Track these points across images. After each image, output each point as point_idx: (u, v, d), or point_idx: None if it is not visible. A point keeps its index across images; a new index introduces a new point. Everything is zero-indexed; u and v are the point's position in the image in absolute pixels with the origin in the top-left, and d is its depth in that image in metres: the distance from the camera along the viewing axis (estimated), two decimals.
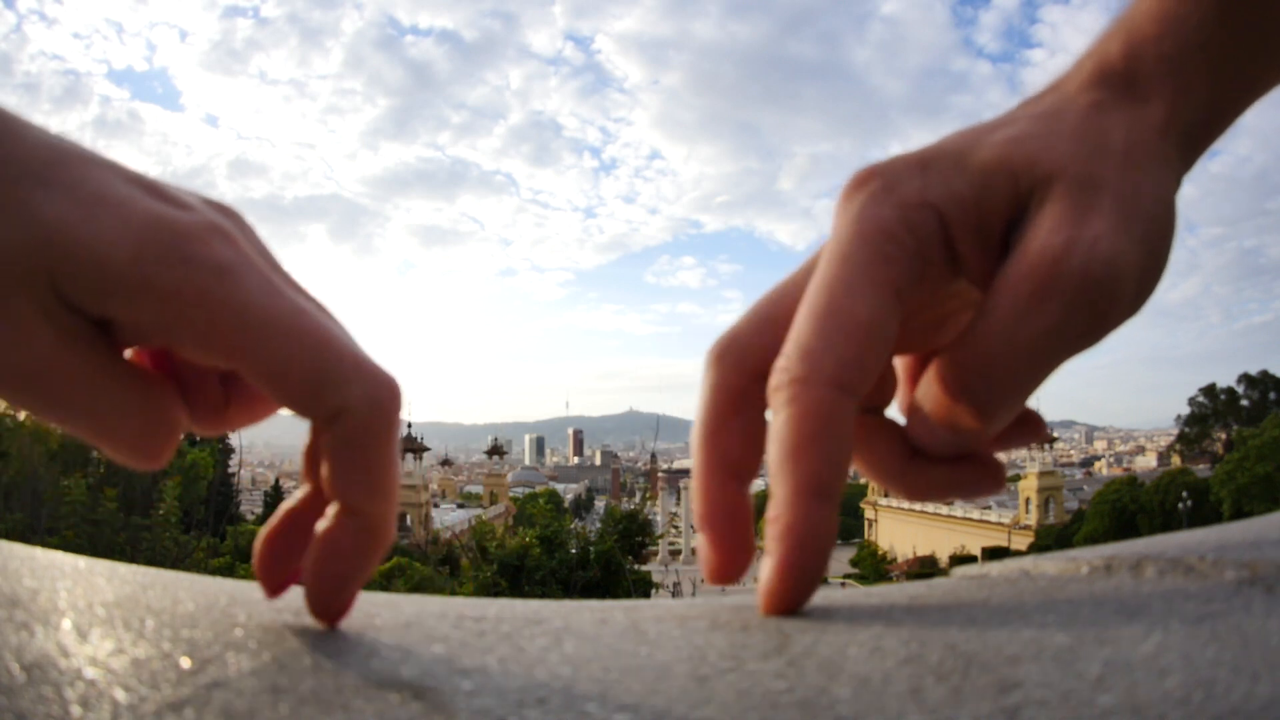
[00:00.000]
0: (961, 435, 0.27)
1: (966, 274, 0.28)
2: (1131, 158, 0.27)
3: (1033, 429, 0.30)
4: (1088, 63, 0.30)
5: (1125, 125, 0.28)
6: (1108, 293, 0.25)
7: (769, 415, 0.27)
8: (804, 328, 0.27)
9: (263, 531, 0.26)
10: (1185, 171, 0.29)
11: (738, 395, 0.29)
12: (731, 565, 0.28)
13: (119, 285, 0.22)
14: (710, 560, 0.29)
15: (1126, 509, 29.63)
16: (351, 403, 0.23)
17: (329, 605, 0.24)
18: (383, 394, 0.24)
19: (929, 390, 0.28)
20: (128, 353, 0.25)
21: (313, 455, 0.26)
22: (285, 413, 0.26)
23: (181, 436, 0.26)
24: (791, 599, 0.26)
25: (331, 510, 0.24)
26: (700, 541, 0.29)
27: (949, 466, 0.29)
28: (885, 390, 0.31)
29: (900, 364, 0.33)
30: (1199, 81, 0.28)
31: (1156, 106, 0.28)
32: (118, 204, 0.23)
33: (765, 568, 0.26)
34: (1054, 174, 0.27)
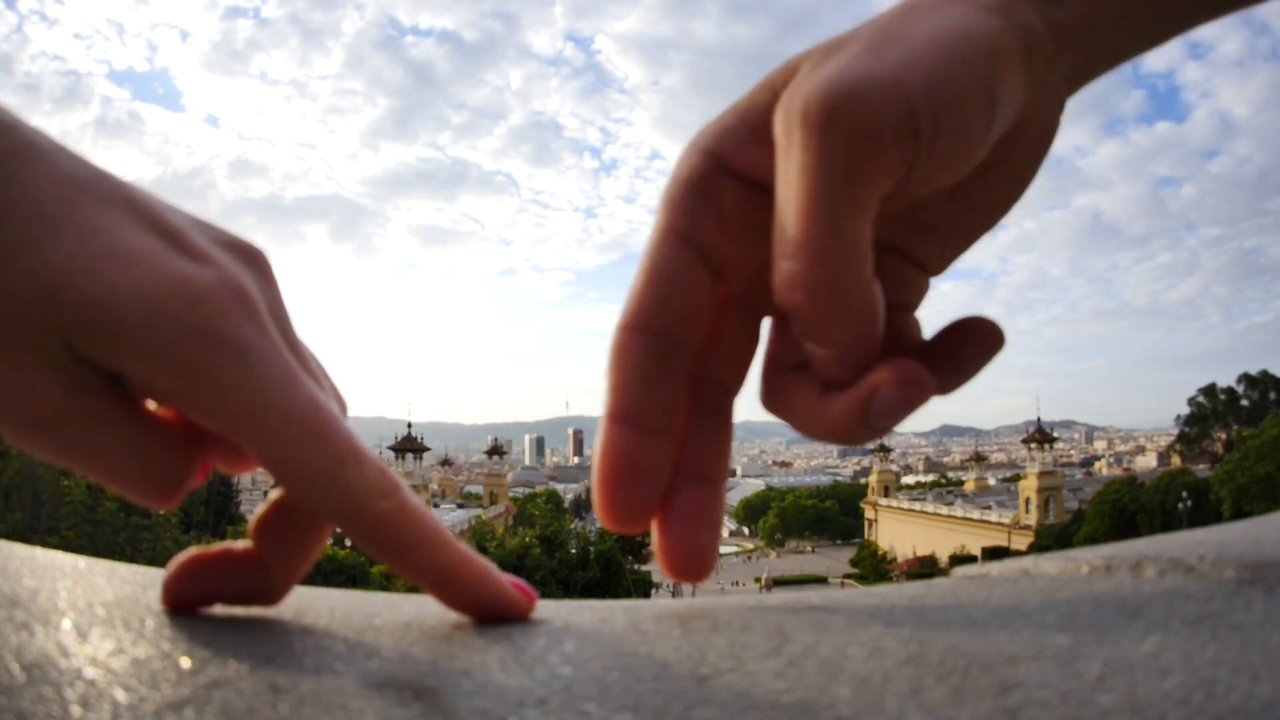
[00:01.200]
0: (833, 336, 0.26)
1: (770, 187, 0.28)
2: (907, 15, 0.25)
3: (986, 339, 0.28)
4: None
5: (927, 8, 0.26)
6: (845, 107, 0.23)
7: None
8: None
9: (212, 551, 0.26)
10: (1048, 30, 0.26)
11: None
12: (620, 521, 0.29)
13: (130, 348, 0.22)
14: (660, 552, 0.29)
15: (1126, 509, 29.63)
16: (361, 503, 0.24)
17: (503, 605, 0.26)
18: (388, 487, 0.24)
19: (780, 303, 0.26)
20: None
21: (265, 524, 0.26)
22: None
23: (193, 481, 0.25)
24: (612, 514, 0.27)
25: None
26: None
27: (860, 391, 0.27)
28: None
29: None
30: None
31: None
32: (132, 258, 0.22)
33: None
34: (802, 60, 0.26)
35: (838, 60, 0.24)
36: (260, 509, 0.26)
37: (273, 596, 0.26)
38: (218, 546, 0.26)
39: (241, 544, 0.26)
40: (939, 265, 0.30)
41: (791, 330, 0.29)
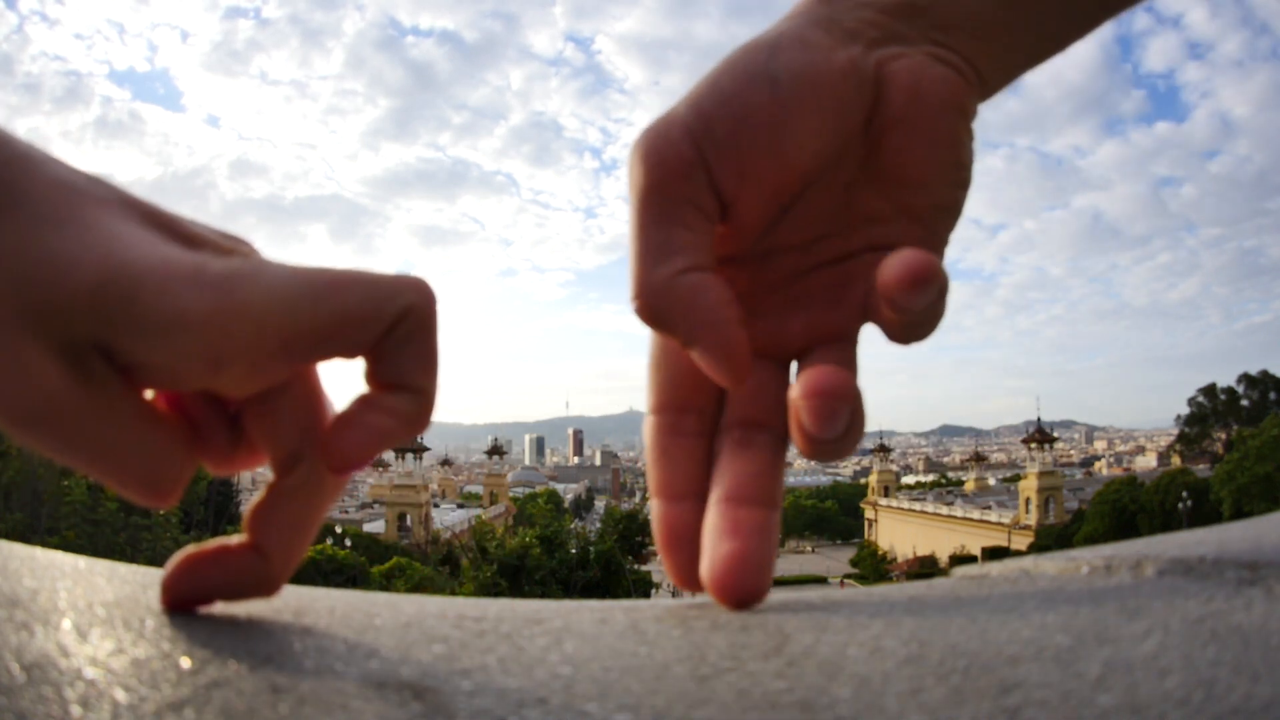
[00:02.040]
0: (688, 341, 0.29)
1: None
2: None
3: (914, 275, 0.27)
4: None
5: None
6: (639, 144, 0.29)
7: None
8: None
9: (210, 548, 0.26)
10: (867, 15, 0.30)
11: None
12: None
13: (136, 323, 0.22)
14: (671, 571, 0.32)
15: (1126, 509, 29.63)
16: (412, 300, 0.25)
17: (357, 454, 0.25)
18: (426, 288, 0.26)
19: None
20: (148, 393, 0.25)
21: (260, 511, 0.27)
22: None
23: (190, 478, 0.26)
24: (683, 580, 0.31)
25: (377, 394, 0.26)
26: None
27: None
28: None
29: None
30: None
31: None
32: (135, 243, 0.23)
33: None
34: None
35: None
36: (255, 499, 0.26)
37: (271, 586, 0.26)
38: (213, 542, 0.26)
39: (237, 539, 0.26)
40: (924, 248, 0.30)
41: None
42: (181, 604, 0.26)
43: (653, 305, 0.29)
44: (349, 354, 0.25)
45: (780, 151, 0.29)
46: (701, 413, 0.32)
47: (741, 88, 0.29)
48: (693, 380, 0.31)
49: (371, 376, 0.26)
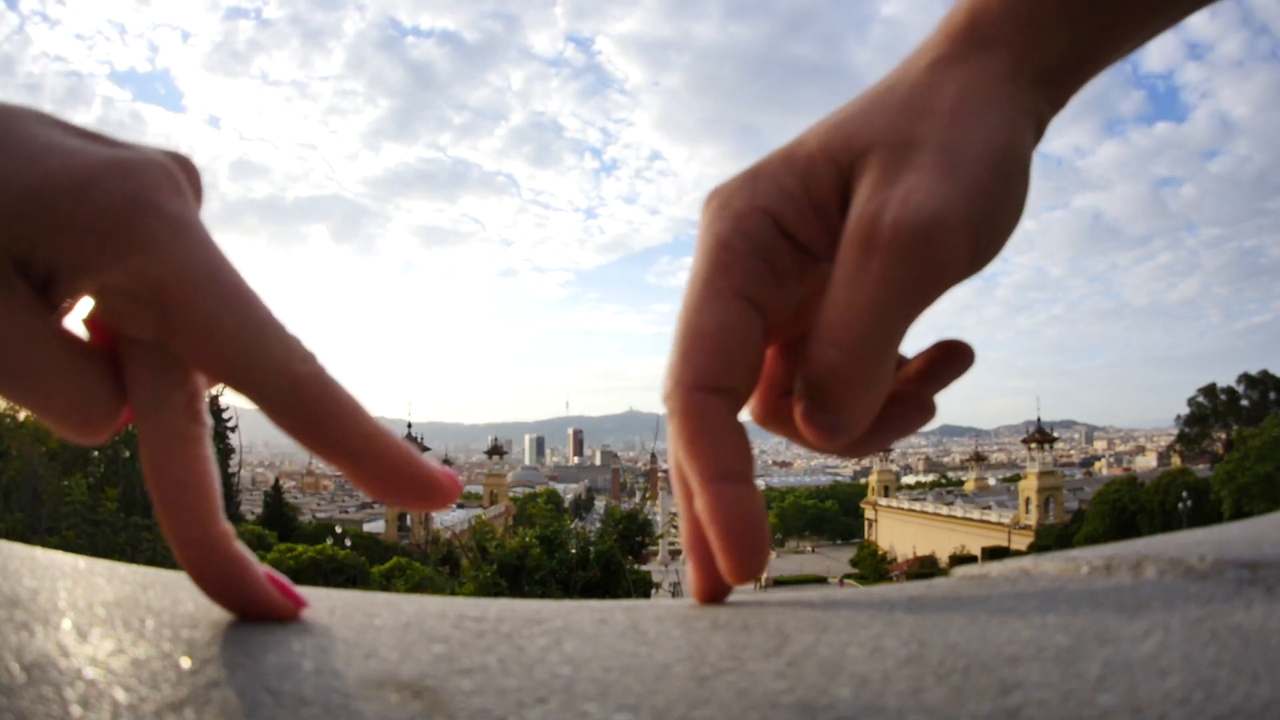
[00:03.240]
0: (844, 416, 0.28)
1: (818, 256, 0.30)
2: (961, 107, 0.28)
3: (957, 357, 0.31)
4: (941, 24, 0.30)
5: (960, 78, 0.28)
6: (925, 243, 0.26)
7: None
8: (672, 345, 0.29)
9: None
10: (1053, 112, 0.30)
11: None
12: (715, 585, 0.30)
13: (64, 223, 0.22)
14: (696, 582, 0.31)
15: (1126, 509, 29.62)
16: (280, 365, 0.24)
17: (431, 493, 0.25)
18: (305, 357, 0.24)
19: (802, 379, 0.29)
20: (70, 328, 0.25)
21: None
22: (208, 424, 0.26)
23: (123, 416, 0.25)
24: (741, 568, 0.28)
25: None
26: (688, 567, 0.32)
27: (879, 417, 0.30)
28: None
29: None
30: (1050, 24, 0.28)
31: (1000, 54, 0.28)
32: (64, 151, 0.23)
33: (715, 553, 0.28)
34: (870, 145, 0.28)
35: (917, 182, 0.27)
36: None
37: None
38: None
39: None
40: None
41: (793, 364, 0.32)
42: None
43: (864, 397, 0.28)
44: (207, 366, 0.24)
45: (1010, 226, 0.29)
46: (744, 398, 0.30)
47: (1012, 209, 0.28)
48: (754, 366, 0.29)
49: (318, 456, 0.25)
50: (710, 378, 0.28)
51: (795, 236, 0.29)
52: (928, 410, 0.31)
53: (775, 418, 0.32)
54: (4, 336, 0.22)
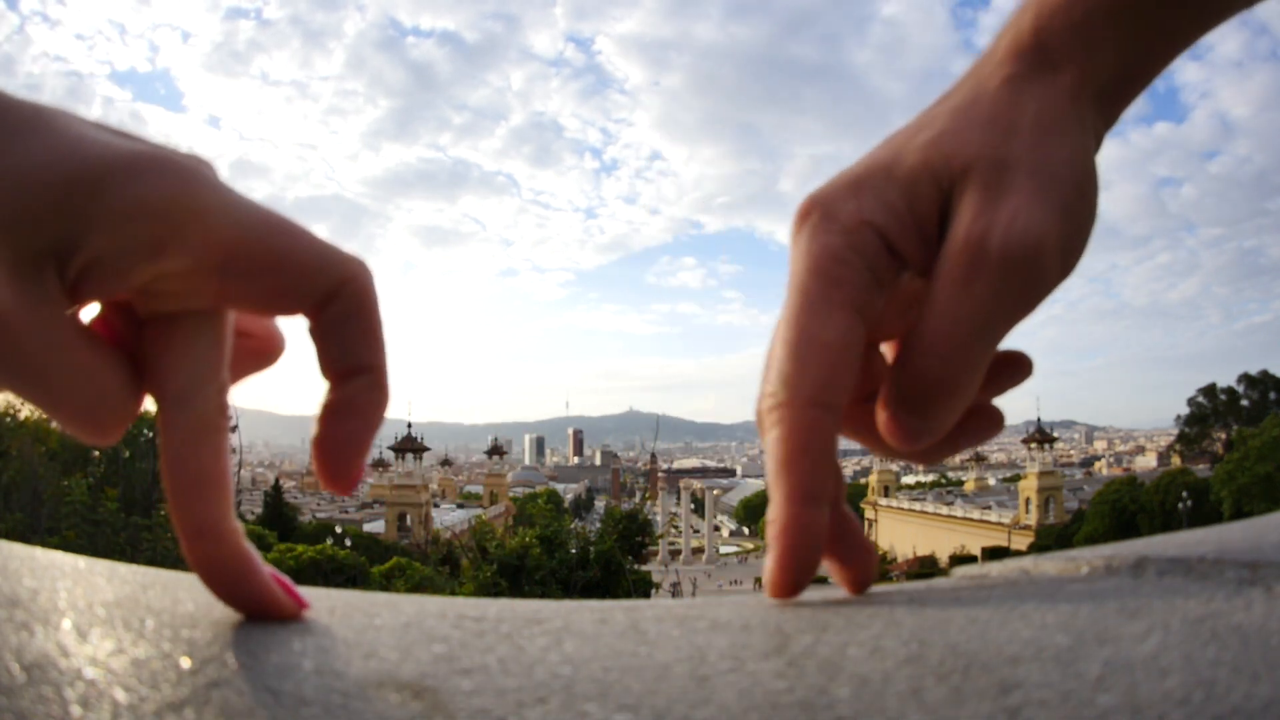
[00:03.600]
0: (932, 422, 0.30)
1: (915, 270, 0.31)
2: (1042, 128, 0.30)
3: (1016, 368, 0.33)
4: (1002, 40, 0.32)
5: (1036, 97, 0.30)
6: (1030, 262, 0.28)
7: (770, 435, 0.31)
8: (781, 356, 0.30)
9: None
10: (1107, 128, 0.32)
11: None
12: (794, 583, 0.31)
13: (113, 210, 0.22)
14: (844, 576, 0.33)
15: (1126, 509, 29.61)
16: (355, 270, 0.25)
17: (349, 467, 0.25)
18: (365, 266, 0.26)
19: (894, 388, 0.30)
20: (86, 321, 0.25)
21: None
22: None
23: (136, 414, 0.25)
24: (789, 586, 0.29)
25: (334, 386, 0.26)
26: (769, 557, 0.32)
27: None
28: (877, 378, 0.33)
29: (886, 349, 0.36)
30: (1108, 44, 0.30)
31: (1067, 73, 0.30)
32: (102, 143, 0.23)
33: (767, 561, 0.30)
34: (969, 165, 0.30)
35: (1019, 205, 0.28)
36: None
37: None
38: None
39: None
40: None
41: (868, 370, 0.33)
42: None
43: (955, 406, 0.30)
44: (278, 301, 0.25)
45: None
46: (841, 410, 0.30)
47: (1090, 228, 0.30)
48: (851, 373, 0.30)
49: (324, 363, 0.26)
50: (827, 393, 0.29)
51: (897, 250, 0.30)
52: (997, 421, 0.32)
53: (855, 424, 0.33)
54: (29, 333, 0.22)
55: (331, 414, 0.26)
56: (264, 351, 0.29)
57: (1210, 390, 41.94)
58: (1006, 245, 0.28)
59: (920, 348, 0.29)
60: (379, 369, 0.26)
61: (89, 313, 0.25)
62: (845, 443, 0.36)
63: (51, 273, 0.22)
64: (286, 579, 0.26)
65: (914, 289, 0.33)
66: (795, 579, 0.29)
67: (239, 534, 0.25)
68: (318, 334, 0.26)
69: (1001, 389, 0.33)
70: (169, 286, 0.24)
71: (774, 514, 0.29)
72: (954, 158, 0.30)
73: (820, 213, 0.30)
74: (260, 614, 0.25)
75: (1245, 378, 41.86)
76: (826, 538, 0.30)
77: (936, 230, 0.30)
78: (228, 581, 0.25)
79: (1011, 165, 0.29)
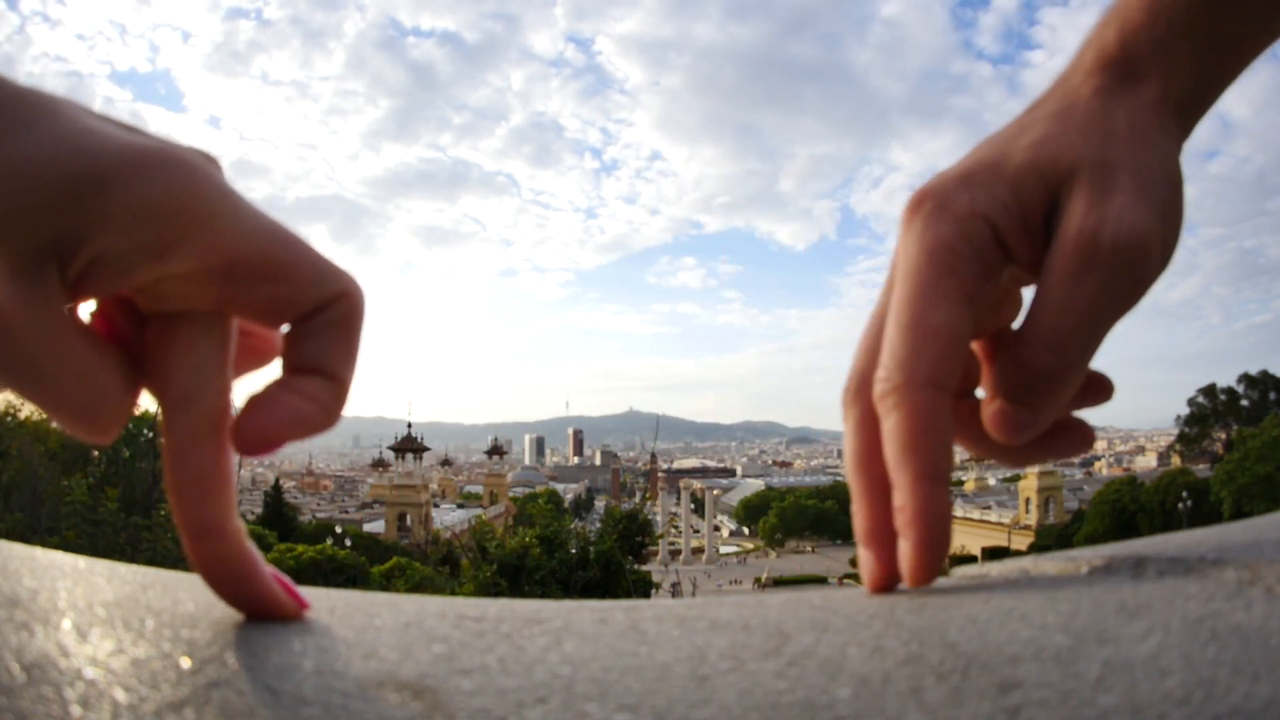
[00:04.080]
0: (1040, 414, 0.31)
1: (1018, 264, 0.32)
2: (1136, 135, 0.31)
3: (1100, 389, 0.34)
4: (1088, 53, 0.34)
5: (1127, 107, 0.32)
6: (1139, 256, 0.29)
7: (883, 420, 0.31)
8: (895, 340, 0.31)
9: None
10: (1184, 138, 0.34)
11: (879, 424, 0.32)
12: (893, 575, 0.32)
13: (119, 210, 0.22)
14: (874, 572, 0.32)
15: (1126, 509, 29.61)
16: (349, 287, 0.26)
17: (271, 435, 0.25)
18: (359, 285, 0.26)
19: (1003, 381, 0.31)
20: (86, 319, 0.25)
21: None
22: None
23: (132, 412, 0.25)
24: (930, 569, 0.30)
25: (288, 371, 0.26)
26: (862, 555, 0.33)
27: (1042, 434, 0.32)
28: (971, 375, 0.35)
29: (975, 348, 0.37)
30: (1186, 58, 0.32)
31: (1151, 85, 0.32)
32: (107, 137, 0.23)
33: (903, 549, 0.30)
34: (1075, 166, 0.31)
35: (1126, 203, 0.30)
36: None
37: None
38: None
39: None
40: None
41: (970, 367, 0.34)
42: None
43: (1065, 394, 0.31)
44: (273, 311, 0.25)
45: None
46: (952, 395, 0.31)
47: (1180, 229, 0.32)
48: (961, 359, 0.31)
49: (289, 357, 0.26)
50: (942, 376, 0.30)
51: (1005, 243, 0.31)
52: (1088, 436, 0.33)
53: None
54: (27, 332, 0.22)
55: (284, 386, 0.25)
56: (261, 350, 0.29)
57: (1210, 390, 41.93)
58: (1117, 239, 0.29)
59: (1034, 339, 0.30)
60: (342, 382, 0.26)
61: (87, 308, 0.25)
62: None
63: (52, 270, 0.22)
64: (288, 579, 0.26)
65: (1001, 289, 0.34)
66: (936, 564, 0.30)
67: (242, 534, 0.25)
68: (293, 334, 0.26)
69: (1082, 404, 0.34)
70: (171, 288, 0.24)
71: (903, 499, 0.30)
72: (1061, 158, 0.31)
73: (934, 203, 0.32)
74: (261, 614, 0.25)
75: (1245, 378, 41.84)
76: (949, 522, 0.30)
77: (1041, 226, 0.31)
78: (230, 581, 0.25)
79: (1115, 167, 0.31)
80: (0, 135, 0.22)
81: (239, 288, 0.24)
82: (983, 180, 0.32)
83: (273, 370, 0.26)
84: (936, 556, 0.29)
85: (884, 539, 0.31)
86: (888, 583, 0.31)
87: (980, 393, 0.34)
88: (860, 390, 0.33)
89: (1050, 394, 0.30)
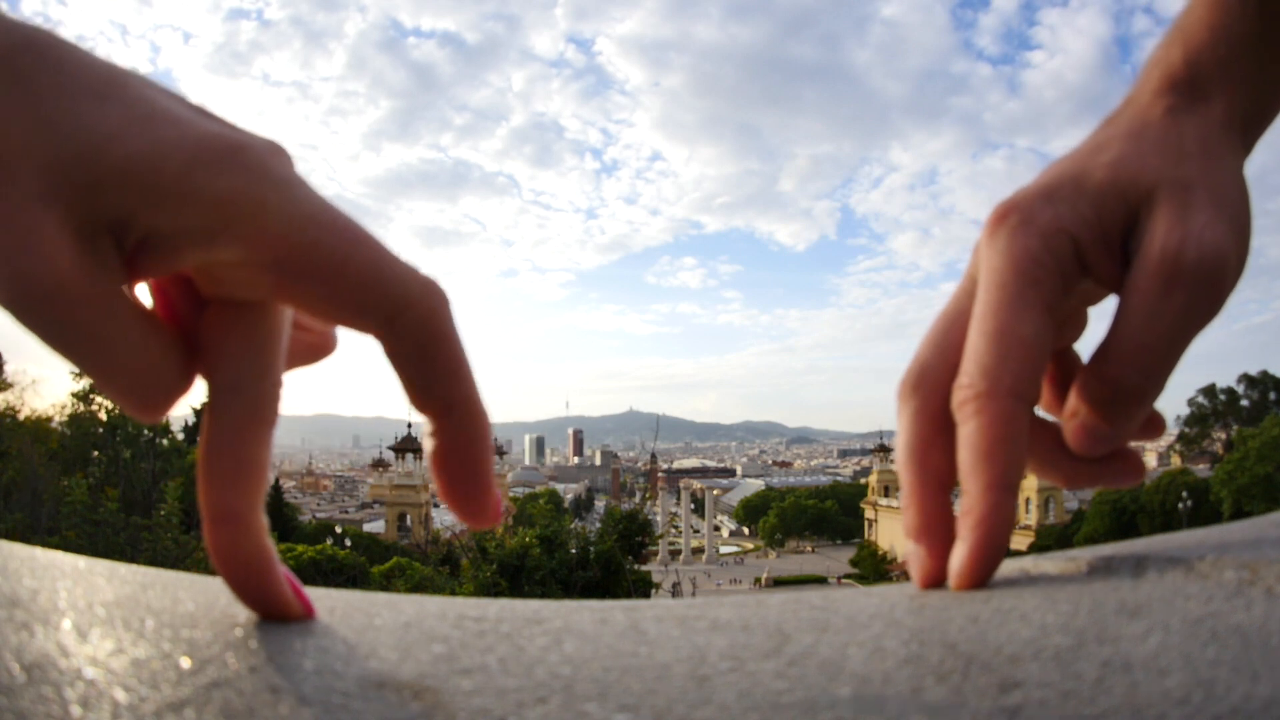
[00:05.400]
0: (1121, 429, 0.31)
1: (1097, 280, 0.33)
2: (1207, 153, 0.33)
3: (1154, 424, 0.34)
4: (1154, 73, 0.35)
5: (1196, 125, 0.33)
6: (1220, 273, 0.30)
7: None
8: (980, 348, 0.31)
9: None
10: (1247, 154, 0.35)
11: (937, 418, 0.33)
12: (944, 571, 0.31)
13: (171, 192, 0.22)
14: (927, 567, 0.32)
15: (1126, 509, 29.63)
16: (417, 296, 0.24)
17: (482, 505, 0.25)
18: (437, 288, 0.25)
19: (1086, 396, 0.31)
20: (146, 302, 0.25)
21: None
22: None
23: (186, 394, 0.25)
24: (981, 576, 0.30)
25: (431, 423, 0.25)
26: (912, 549, 0.33)
27: (1098, 459, 0.33)
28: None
29: None
30: (1249, 77, 0.34)
31: (1218, 104, 0.34)
32: (175, 120, 0.23)
33: (959, 551, 0.30)
34: (1154, 184, 0.32)
35: (1207, 221, 0.31)
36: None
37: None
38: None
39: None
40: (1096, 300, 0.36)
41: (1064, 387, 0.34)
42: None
43: (1144, 411, 0.31)
44: (331, 310, 0.24)
45: None
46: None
47: (1251, 217, 0.33)
48: (1043, 372, 0.31)
49: (410, 396, 0.25)
50: (1024, 385, 0.30)
51: (1085, 259, 0.32)
52: (1141, 467, 0.34)
53: None
54: (86, 301, 0.22)
55: (441, 462, 0.25)
56: (316, 346, 0.29)
57: (1210, 390, 41.94)
58: (1201, 257, 0.30)
59: (1118, 355, 0.31)
60: (466, 400, 0.25)
61: (146, 290, 0.25)
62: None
63: (110, 244, 0.22)
64: (298, 583, 0.26)
65: (1070, 307, 0.35)
66: (989, 571, 0.30)
67: (263, 528, 0.25)
68: (391, 363, 0.25)
69: (1138, 437, 0.34)
70: (226, 274, 0.24)
71: (971, 503, 0.30)
72: (1140, 177, 0.32)
73: (1020, 216, 0.32)
74: (268, 612, 0.25)
75: (1245, 378, 41.85)
76: (1010, 532, 0.30)
77: (1120, 243, 0.32)
78: (243, 573, 0.25)
79: (1192, 186, 0.31)
80: (75, 103, 0.22)
81: (292, 282, 0.24)
82: (1065, 196, 0.32)
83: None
84: (992, 565, 0.30)
85: (936, 534, 0.32)
86: (938, 578, 0.31)
87: (1040, 411, 0.34)
88: (920, 383, 0.33)
89: (1133, 409, 0.31)
